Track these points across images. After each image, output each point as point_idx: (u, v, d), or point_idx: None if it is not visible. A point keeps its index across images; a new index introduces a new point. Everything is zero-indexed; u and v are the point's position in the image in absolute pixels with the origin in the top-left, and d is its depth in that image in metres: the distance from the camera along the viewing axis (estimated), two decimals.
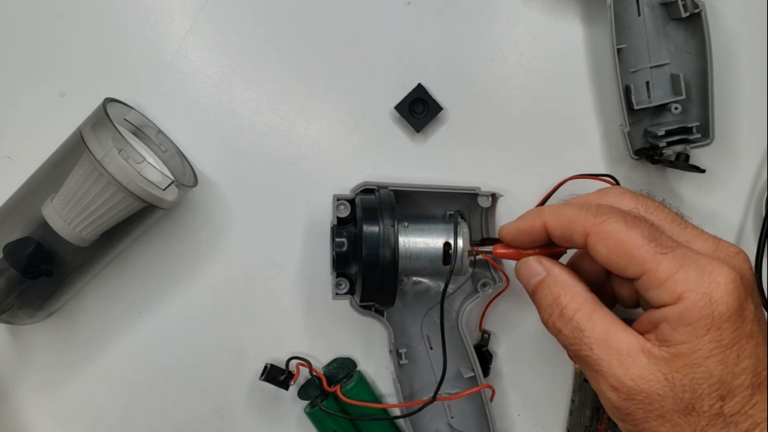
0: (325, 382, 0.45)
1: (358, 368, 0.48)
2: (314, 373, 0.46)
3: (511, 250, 0.37)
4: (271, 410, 0.48)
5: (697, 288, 0.30)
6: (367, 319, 0.47)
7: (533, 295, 0.35)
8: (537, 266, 0.35)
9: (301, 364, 0.46)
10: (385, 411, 0.47)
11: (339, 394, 0.45)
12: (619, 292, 0.37)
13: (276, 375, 0.45)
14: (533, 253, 0.36)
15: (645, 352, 0.30)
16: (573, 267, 0.36)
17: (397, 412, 0.46)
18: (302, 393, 0.47)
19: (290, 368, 0.46)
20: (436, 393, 0.40)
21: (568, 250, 0.37)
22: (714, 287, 0.29)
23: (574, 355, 0.33)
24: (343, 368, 0.47)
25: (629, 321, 0.33)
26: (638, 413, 0.31)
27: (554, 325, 0.33)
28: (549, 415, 0.48)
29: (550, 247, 0.36)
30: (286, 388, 0.46)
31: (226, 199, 0.47)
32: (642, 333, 0.31)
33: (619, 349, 0.31)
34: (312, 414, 0.47)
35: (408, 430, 0.45)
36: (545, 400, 0.48)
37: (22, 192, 0.43)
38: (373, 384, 0.48)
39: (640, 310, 0.36)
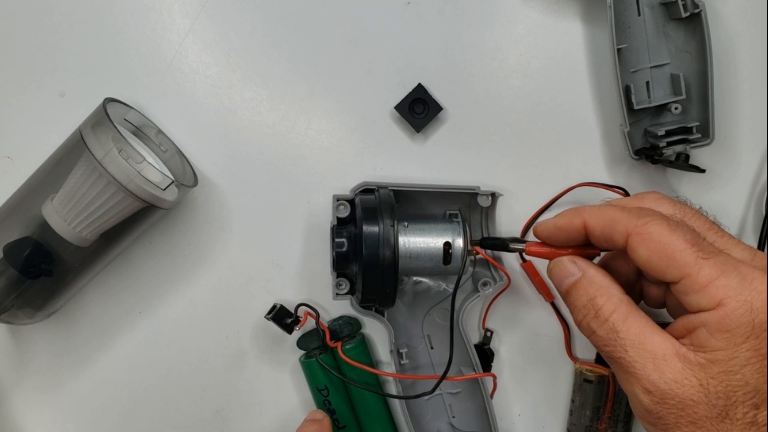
0: (328, 336, 0.45)
1: (362, 330, 0.48)
2: (320, 325, 0.45)
3: (545, 249, 0.37)
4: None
5: (738, 295, 0.29)
6: (368, 319, 0.47)
7: (566, 295, 0.35)
8: (571, 266, 0.35)
9: (309, 313, 0.45)
10: (378, 384, 0.47)
11: (339, 351, 0.44)
12: (647, 294, 0.37)
13: (283, 317, 0.45)
14: (567, 253, 0.36)
15: (680, 357, 0.30)
16: (605, 268, 0.36)
17: (395, 387, 0.46)
18: (301, 342, 0.47)
19: (298, 314, 0.46)
20: (445, 373, 0.40)
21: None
22: (755, 295, 0.29)
23: (608, 357, 0.33)
24: (348, 326, 0.47)
25: (662, 325, 0.33)
26: (669, 418, 0.30)
27: (588, 326, 0.33)
28: (549, 415, 0.48)
29: (583, 248, 0.36)
30: (290, 332, 0.45)
31: (226, 199, 0.47)
32: (676, 338, 0.31)
33: (654, 353, 0.31)
34: (307, 364, 0.46)
35: (409, 430, 0.45)
36: (545, 400, 0.48)
37: (22, 192, 0.43)
38: (373, 352, 0.48)
39: (664, 311, 0.37)
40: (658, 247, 0.31)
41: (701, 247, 0.31)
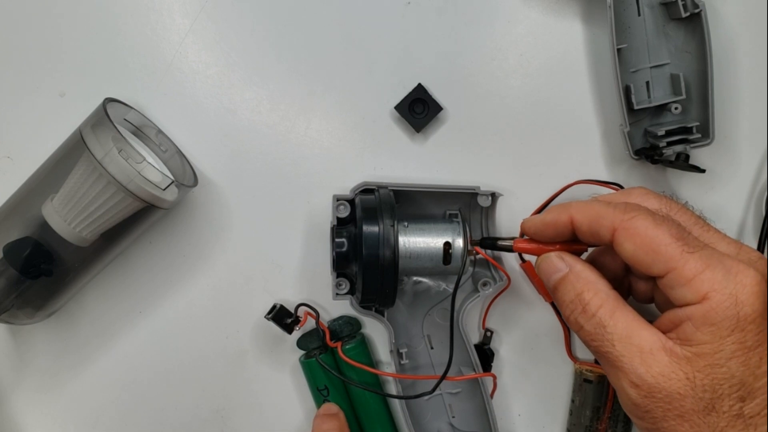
0: (328, 336, 0.45)
1: (362, 330, 0.48)
2: (320, 325, 0.45)
3: (532, 245, 0.37)
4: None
5: (723, 288, 0.30)
6: (368, 319, 0.47)
7: (554, 291, 0.35)
8: (559, 262, 0.35)
9: (309, 313, 0.45)
10: (378, 384, 0.47)
11: (339, 351, 0.44)
12: (635, 289, 0.37)
13: (283, 317, 0.45)
14: (554, 249, 0.36)
15: (667, 351, 0.30)
16: (592, 264, 0.36)
17: (395, 387, 0.46)
18: (301, 342, 0.47)
19: (298, 314, 0.46)
20: (445, 373, 0.40)
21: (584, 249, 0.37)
22: (740, 288, 0.30)
23: (595, 352, 0.33)
24: (348, 326, 0.47)
25: (649, 319, 0.33)
26: (657, 411, 0.31)
27: (576, 321, 0.33)
28: (549, 415, 0.48)
29: (571, 243, 0.36)
30: (290, 332, 0.45)
31: (226, 199, 0.47)
32: (663, 332, 0.31)
33: (641, 347, 0.31)
34: (307, 364, 0.46)
35: (409, 430, 0.45)
36: (545, 400, 0.48)
37: (22, 192, 0.43)
38: (373, 352, 0.48)
39: (653, 306, 0.37)
40: (644, 241, 0.31)
41: (687, 241, 0.31)
